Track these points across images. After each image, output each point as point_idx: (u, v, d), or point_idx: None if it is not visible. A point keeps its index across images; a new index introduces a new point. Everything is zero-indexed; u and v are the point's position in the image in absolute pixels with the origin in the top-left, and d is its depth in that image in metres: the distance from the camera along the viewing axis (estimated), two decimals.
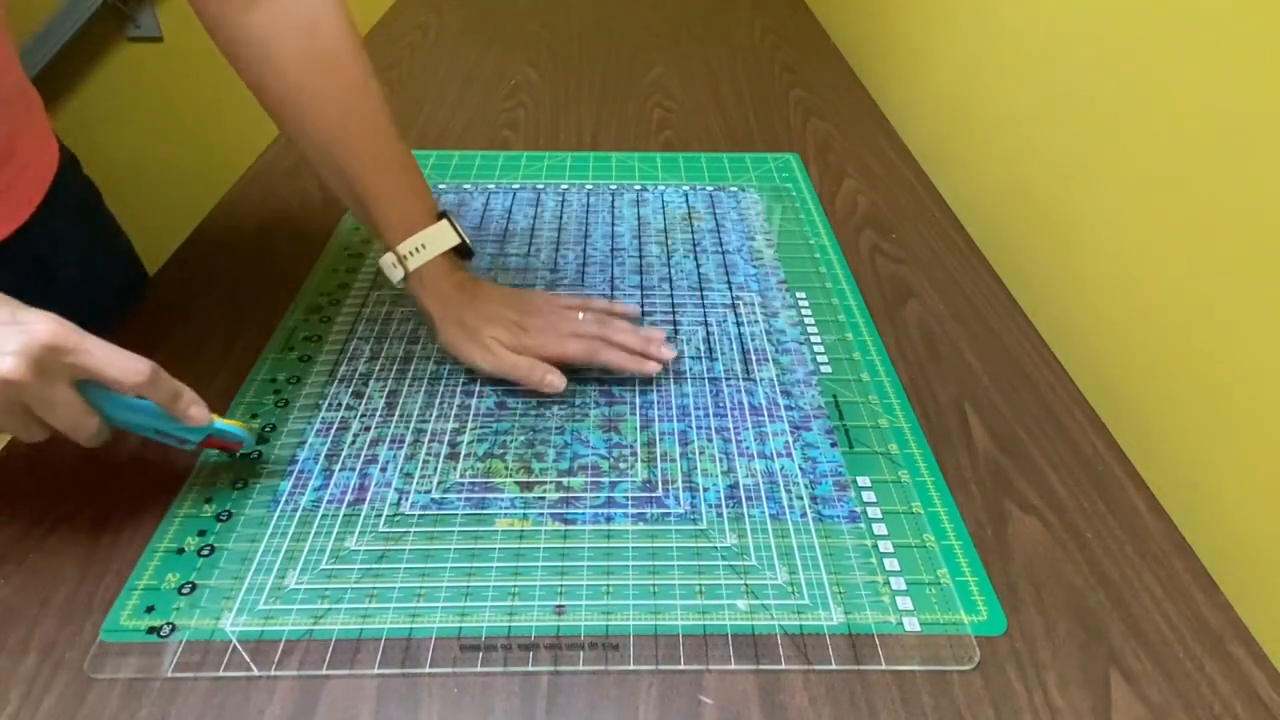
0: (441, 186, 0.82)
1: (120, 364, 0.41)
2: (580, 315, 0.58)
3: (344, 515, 0.48)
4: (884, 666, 0.41)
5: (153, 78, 1.81)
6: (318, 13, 0.54)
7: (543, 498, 0.49)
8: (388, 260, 0.57)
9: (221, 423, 0.47)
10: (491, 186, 0.83)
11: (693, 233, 0.75)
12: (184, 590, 0.43)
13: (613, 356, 0.56)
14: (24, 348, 0.37)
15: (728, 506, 0.49)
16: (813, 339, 0.62)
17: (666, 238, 0.75)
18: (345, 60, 0.55)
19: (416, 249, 0.56)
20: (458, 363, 0.57)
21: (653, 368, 0.56)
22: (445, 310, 0.57)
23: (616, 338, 0.57)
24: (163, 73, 1.80)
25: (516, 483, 0.50)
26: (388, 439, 0.53)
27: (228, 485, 0.49)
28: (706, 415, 0.55)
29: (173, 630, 0.41)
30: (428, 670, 0.40)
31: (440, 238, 0.56)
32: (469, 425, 0.54)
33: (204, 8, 0.53)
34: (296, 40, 0.54)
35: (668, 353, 0.57)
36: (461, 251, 0.58)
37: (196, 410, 0.45)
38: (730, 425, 0.54)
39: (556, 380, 0.54)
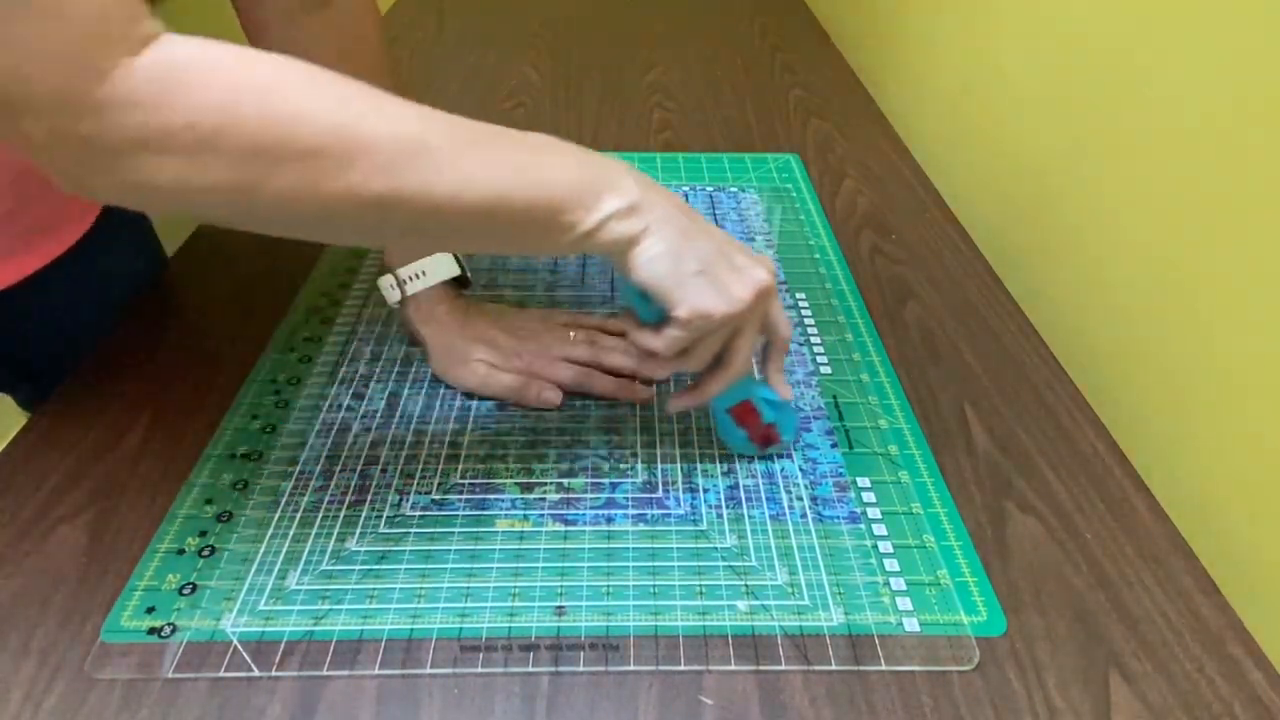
0: None
1: (786, 317, 0.48)
2: (571, 335, 0.58)
3: (344, 516, 0.48)
4: (884, 667, 0.41)
5: None
6: (362, 41, 0.55)
7: (543, 499, 0.49)
8: (386, 281, 0.57)
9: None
10: None
11: None
12: (184, 591, 0.43)
13: (604, 385, 0.56)
14: (756, 285, 0.43)
15: (728, 507, 0.49)
16: (813, 339, 0.62)
17: None
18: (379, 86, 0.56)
19: (416, 275, 0.56)
20: (451, 387, 0.57)
21: (644, 394, 0.56)
22: (437, 336, 0.57)
23: (608, 360, 0.57)
24: None
25: (517, 484, 0.50)
26: (388, 440, 0.53)
27: (228, 486, 0.49)
28: (706, 416, 0.55)
29: (173, 631, 0.41)
30: (428, 671, 0.40)
31: (441, 267, 0.56)
32: (469, 426, 0.54)
33: (249, 15, 0.53)
34: (335, 64, 0.54)
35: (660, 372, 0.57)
36: (459, 281, 0.58)
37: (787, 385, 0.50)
38: None
39: (552, 395, 0.54)
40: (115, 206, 0.62)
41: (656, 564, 0.45)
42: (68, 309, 0.63)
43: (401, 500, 0.49)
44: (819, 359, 0.60)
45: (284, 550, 0.46)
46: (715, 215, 0.78)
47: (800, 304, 0.66)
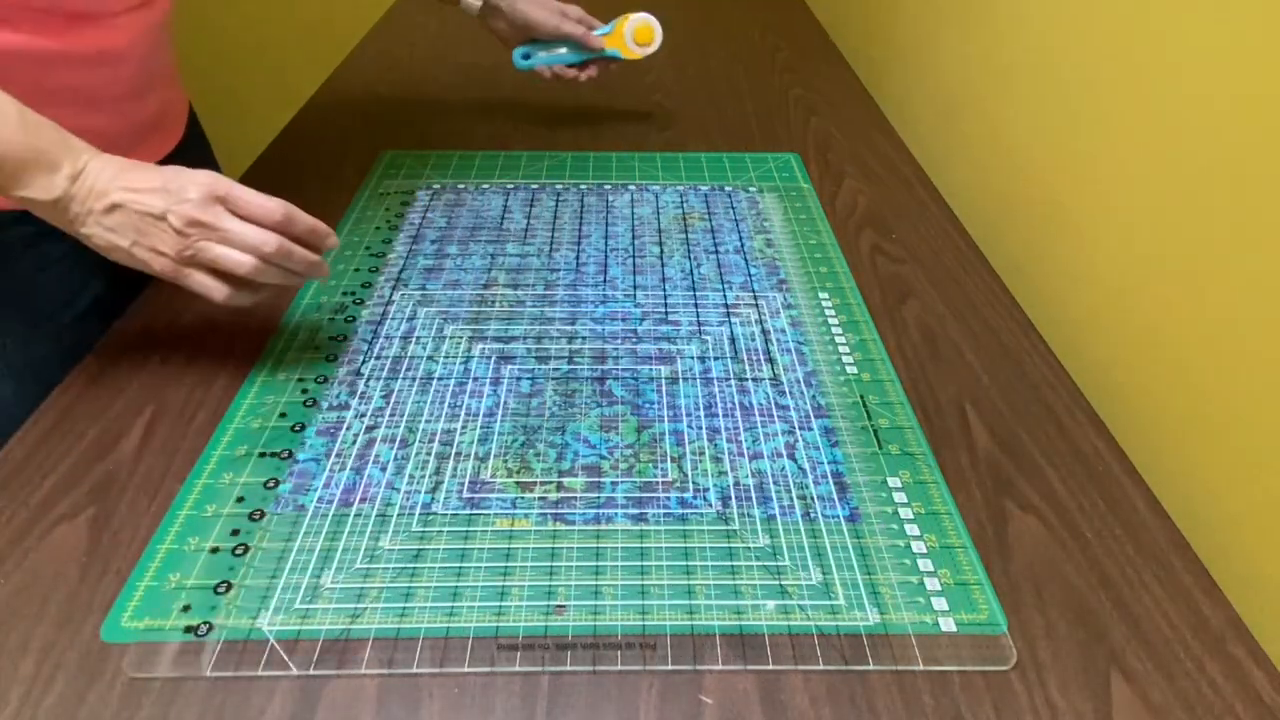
0: (438, 186, 0.82)
1: (260, 206, 0.50)
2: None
3: (340, 516, 0.48)
4: (882, 667, 0.41)
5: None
6: None
7: (544, 498, 0.49)
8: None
9: None
10: (491, 186, 0.82)
11: (692, 232, 0.75)
12: (185, 591, 0.43)
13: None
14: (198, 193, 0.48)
15: (727, 507, 0.49)
16: (812, 339, 0.62)
17: (666, 237, 0.75)
18: None
19: None
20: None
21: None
22: None
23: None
24: None
25: (517, 483, 0.50)
26: (388, 439, 0.53)
27: (227, 485, 0.49)
28: (706, 415, 0.55)
29: (175, 631, 0.41)
30: (428, 670, 0.40)
31: None
32: (469, 425, 0.54)
33: None
34: None
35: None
36: None
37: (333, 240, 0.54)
38: (730, 425, 0.54)
39: None
40: (194, 122, 0.78)
41: (655, 563, 0.45)
42: None
43: (401, 500, 0.49)
44: (818, 358, 0.60)
45: (281, 550, 0.45)
46: (715, 215, 0.78)
47: (800, 303, 0.66)
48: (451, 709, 0.39)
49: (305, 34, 1.66)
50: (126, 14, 0.60)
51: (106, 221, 0.49)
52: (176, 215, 0.48)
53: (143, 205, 0.48)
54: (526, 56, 0.89)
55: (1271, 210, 0.48)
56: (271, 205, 0.50)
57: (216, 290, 0.50)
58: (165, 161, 0.69)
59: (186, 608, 0.42)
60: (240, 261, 0.49)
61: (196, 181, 0.49)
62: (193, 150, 0.77)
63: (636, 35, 0.89)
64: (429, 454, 0.52)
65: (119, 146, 0.64)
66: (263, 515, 0.47)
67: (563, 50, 0.89)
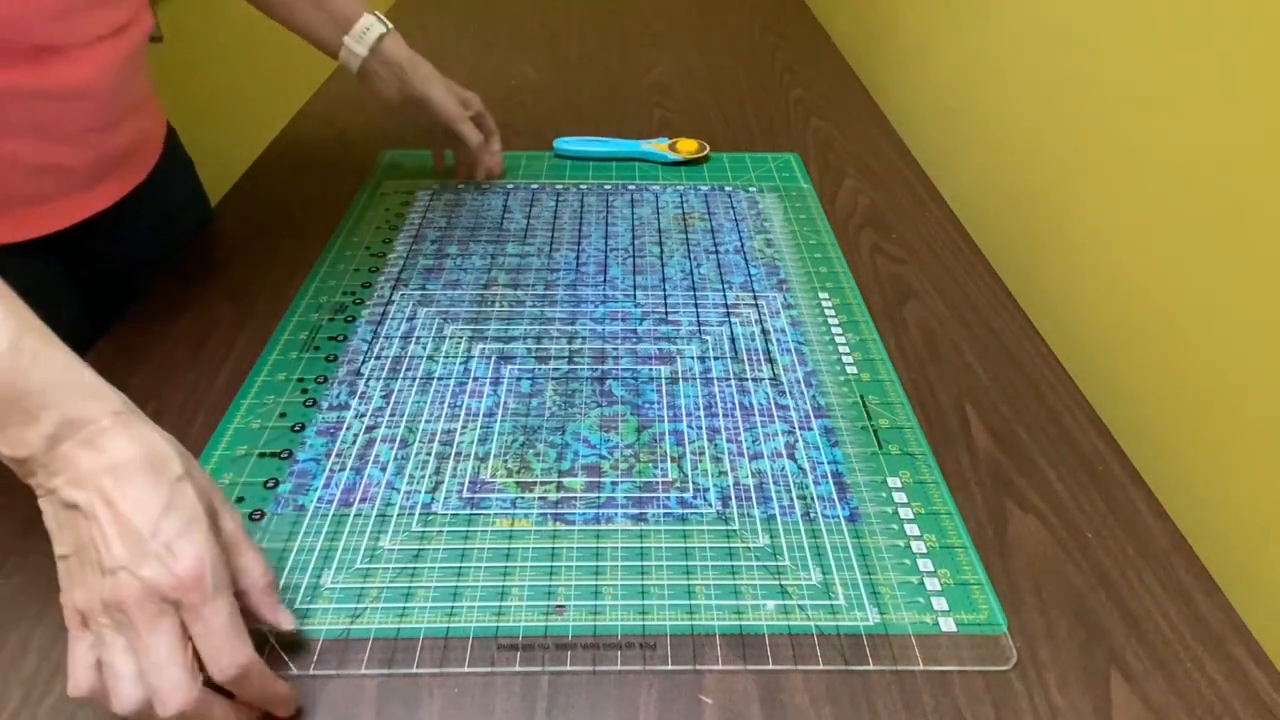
0: (438, 186, 0.82)
1: (217, 646, 0.34)
2: None
3: (340, 516, 0.48)
4: (882, 667, 0.41)
5: (153, 78, 1.81)
6: None
7: (544, 498, 0.49)
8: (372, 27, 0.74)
9: None
10: (491, 186, 0.82)
11: (692, 233, 0.75)
12: None
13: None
14: (155, 580, 0.34)
15: (727, 507, 0.49)
16: (812, 339, 0.62)
17: (666, 237, 0.75)
18: None
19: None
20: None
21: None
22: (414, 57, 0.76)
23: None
24: (163, 73, 1.80)
25: (517, 483, 0.50)
26: (387, 439, 0.53)
27: (227, 485, 0.49)
28: (706, 415, 0.55)
29: None
30: (428, 670, 0.40)
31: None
32: (469, 425, 0.54)
33: None
34: None
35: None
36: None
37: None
38: (730, 425, 0.54)
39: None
40: (173, 144, 0.76)
41: (655, 563, 0.45)
42: (133, 242, 0.69)
43: (401, 500, 0.49)
44: (819, 358, 0.60)
45: (280, 550, 0.45)
46: (715, 215, 0.78)
47: (800, 303, 0.66)
48: (451, 709, 0.39)
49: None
50: (95, 44, 0.55)
51: (60, 515, 0.36)
52: (111, 586, 0.34)
53: (99, 539, 0.34)
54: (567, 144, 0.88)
55: (1274, 209, 0.48)
56: (226, 660, 0.34)
57: (73, 682, 0.34)
58: (142, 186, 0.66)
59: None
60: (120, 694, 0.33)
61: (174, 565, 0.34)
62: (170, 174, 0.72)
63: (680, 146, 0.88)
64: (429, 454, 0.52)
65: (85, 179, 0.60)
66: (263, 515, 0.47)
67: (604, 148, 0.88)
